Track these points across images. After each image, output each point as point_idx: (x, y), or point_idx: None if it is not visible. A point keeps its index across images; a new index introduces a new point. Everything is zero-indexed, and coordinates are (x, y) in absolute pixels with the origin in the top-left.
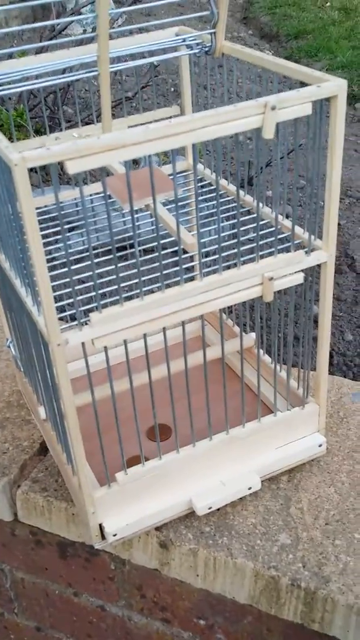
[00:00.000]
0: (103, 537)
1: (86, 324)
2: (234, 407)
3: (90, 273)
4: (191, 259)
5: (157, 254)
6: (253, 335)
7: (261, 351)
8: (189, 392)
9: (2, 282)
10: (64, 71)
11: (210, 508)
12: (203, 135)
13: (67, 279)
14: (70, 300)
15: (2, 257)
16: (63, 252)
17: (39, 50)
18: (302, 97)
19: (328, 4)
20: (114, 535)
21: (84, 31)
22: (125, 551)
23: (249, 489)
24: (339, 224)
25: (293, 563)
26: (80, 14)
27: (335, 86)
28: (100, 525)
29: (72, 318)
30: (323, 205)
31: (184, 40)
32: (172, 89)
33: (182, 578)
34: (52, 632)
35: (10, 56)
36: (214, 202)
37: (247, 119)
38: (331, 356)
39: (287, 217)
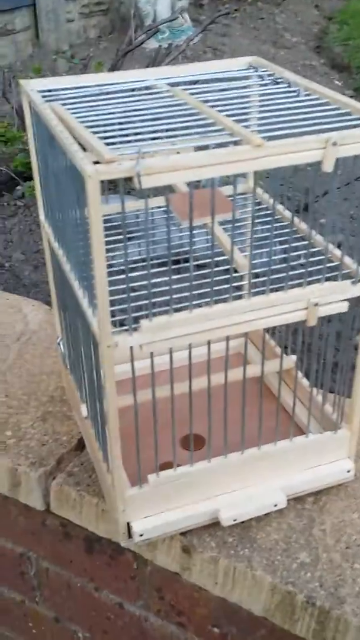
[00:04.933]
0: (130, 536)
1: (135, 329)
2: (267, 425)
3: (144, 282)
4: (241, 278)
5: (209, 270)
6: (293, 357)
7: (300, 374)
8: (227, 406)
9: (61, 283)
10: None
11: (235, 520)
12: (264, 164)
13: (121, 286)
14: (124, 306)
15: (64, 260)
16: (119, 260)
17: (115, 63)
18: None
19: None
20: (141, 535)
21: (160, 46)
22: (149, 552)
23: (275, 505)
24: None
25: (310, 581)
26: (158, 30)
27: None
28: (128, 524)
29: (121, 324)
30: None
31: (256, 70)
32: None
33: (201, 584)
34: (70, 624)
35: (86, 66)
36: (269, 225)
37: (308, 152)
38: None
39: (338, 246)
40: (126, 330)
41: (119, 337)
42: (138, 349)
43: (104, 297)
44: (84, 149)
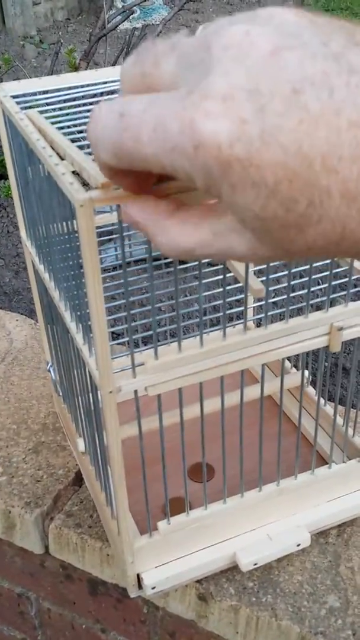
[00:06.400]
0: (140, 587)
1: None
2: (284, 455)
3: (147, 308)
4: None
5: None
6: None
7: (321, 400)
8: (242, 439)
9: (49, 308)
10: None
11: (255, 564)
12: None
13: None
14: (125, 339)
15: (51, 285)
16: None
17: (89, 49)
18: None
19: None
20: (153, 588)
21: (134, 29)
22: (160, 599)
23: (298, 545)
24: None
25: (342, 630)
26: (132, 12)
27: None
28: (138, 575)
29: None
30: None
31: None
32: None
33: (220, 633)
34: None
35: (57, 52)
36: None
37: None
38: None
39: None
40: (128, 369)
41: (122, 381)
42: (143, 390)
43: (103, 341)
44: (74, 171)
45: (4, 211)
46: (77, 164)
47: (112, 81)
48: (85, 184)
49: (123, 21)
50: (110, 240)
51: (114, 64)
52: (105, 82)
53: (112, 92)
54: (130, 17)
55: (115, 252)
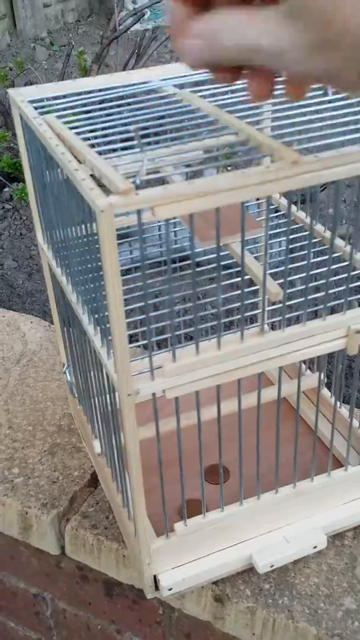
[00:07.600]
0: (157, 588)
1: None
2: (301, 458)
3: (166, 311)
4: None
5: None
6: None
7: (337, 403)
8: (259, 443)
9: (65, 310)
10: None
11: (272, 566)
12: (300, 183)
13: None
14: (143, 342)
15: (68, 289)
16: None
17: (101, 52)
18: None
19: None
20: (170, 589)
21: (145, 31)
22: (176, 600)
23: (314, 547)
24: None
25: (359, 632)
26: (143, 14)
27: None
28: (155, 576)
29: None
30: None
31: None
32: None
33: (236, 634)
34: None
35: (69, 55)
36: (298, 242)
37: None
38: None
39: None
40: (147, 371)
41: (139, 383)
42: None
43: (122, 343)
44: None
45: (17, 213)
46: (97, 170)
47: (127, 85)
48: (102, 187)
49: (135, 23)
50: (123, 243)
51: (124, 66)
52: (118, 87)
53: (131, 96)
54: (141, 19)
55: (130, 255)
